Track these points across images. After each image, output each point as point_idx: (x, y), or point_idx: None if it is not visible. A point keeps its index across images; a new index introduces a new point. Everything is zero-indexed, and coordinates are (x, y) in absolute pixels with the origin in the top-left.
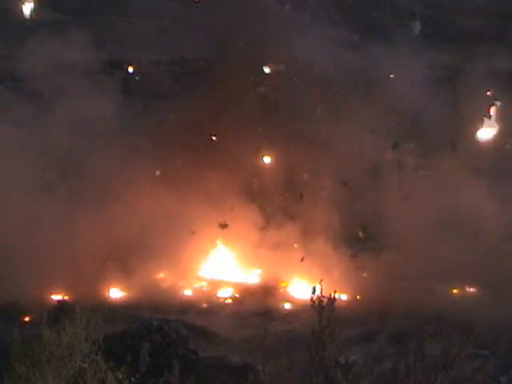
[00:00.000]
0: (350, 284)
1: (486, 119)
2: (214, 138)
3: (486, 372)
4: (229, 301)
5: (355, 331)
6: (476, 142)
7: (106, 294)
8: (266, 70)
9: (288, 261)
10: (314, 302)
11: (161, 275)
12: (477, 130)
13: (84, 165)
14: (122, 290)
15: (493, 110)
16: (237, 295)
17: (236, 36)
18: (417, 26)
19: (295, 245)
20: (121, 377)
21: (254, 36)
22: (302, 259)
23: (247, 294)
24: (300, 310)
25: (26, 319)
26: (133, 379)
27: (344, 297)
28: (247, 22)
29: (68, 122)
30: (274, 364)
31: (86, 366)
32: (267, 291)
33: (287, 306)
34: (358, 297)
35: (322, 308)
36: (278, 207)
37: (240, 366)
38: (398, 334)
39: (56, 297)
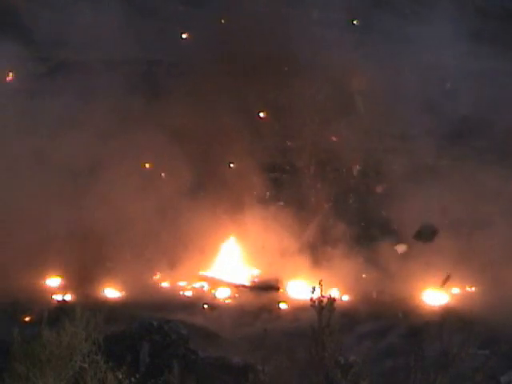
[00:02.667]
0: (351, 284)
1: None
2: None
3: (486, 372)
4: (229, 301)
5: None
6: None
7: (106, 293)
8: None
9: (288, 260)
10: (314, 301)
11: (161, 275)
12: None
13: (80, 160)
14: (122, 290)
15: None
16: (237, 295)
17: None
18: None
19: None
20: (121, 377)
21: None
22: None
23: (247, 293)
24: (300, 310)
25: (26, 319)
26: (133, 379)
27: (345, 297)
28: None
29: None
30: (273, 364)
31: (86, 366)
32: (267, 291)
33: (287, 305)
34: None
35: (322, 308)
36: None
37: (240, 366)
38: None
39: (56, 297)
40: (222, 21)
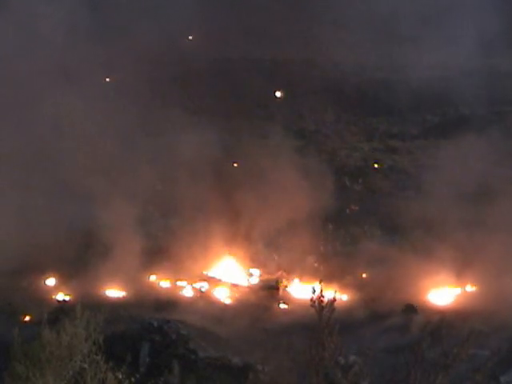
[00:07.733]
0: (350, 284)
1: None
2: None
3: (486, 372)
4: (228, 301)
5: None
6: None
7: (107, 294)
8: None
9: (288, 260)
10: (314, 302)
11: (161, 275)
12: None
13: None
14: (122, 290)
15: None
16: (237, 295)
17: None
18: None
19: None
20: (121, 377)
21: None
22: None
23: (247, 293)
24: (300, 310)
25: (26, 319)
26: (133, 379)
27: (344, 297)
28: None
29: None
30: (273, 364)
31: (85, 366)
32: (267, 291)
33: (287, 305)
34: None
35: (322, 308)
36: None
37: (240, 365)
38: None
39: (56, 297)
40: None
